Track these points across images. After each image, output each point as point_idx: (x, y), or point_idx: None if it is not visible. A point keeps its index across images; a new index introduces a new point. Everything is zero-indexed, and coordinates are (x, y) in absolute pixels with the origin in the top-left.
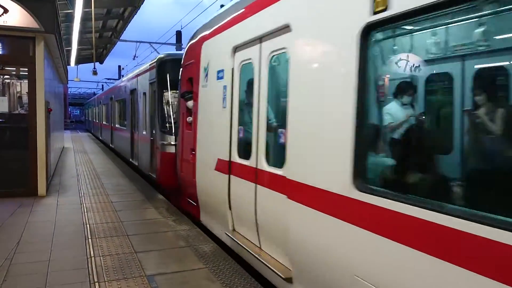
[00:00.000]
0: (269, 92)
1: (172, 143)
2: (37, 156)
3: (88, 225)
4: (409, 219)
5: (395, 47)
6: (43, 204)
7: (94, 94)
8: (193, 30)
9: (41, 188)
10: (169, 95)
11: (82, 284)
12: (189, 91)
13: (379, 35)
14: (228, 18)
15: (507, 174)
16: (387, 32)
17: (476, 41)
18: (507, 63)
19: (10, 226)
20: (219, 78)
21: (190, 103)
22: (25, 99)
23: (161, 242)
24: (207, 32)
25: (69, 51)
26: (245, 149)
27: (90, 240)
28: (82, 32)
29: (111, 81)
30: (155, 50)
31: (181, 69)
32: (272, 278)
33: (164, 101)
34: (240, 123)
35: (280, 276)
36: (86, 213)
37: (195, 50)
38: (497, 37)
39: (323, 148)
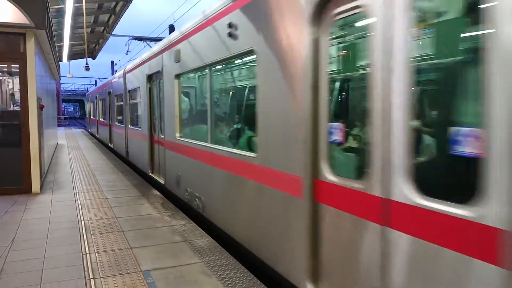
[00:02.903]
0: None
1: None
2: (30, 153)
3: (83, 222)
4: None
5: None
6: (37, 202)
7: (87, 90)
8: (184, 23)
9: (35, 185)
10: None
11: (77, 280)
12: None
13: (152, 78)
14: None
15: None
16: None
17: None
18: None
19: (4, 224)
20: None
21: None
22: (17, 96)
23: (156, 238)
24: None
25: (61, 47)
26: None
27: (85, 236)
28: (73, 27)
29: None
30: (148, 44)
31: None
32: (159, 184)
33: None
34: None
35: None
36: (80, 210)
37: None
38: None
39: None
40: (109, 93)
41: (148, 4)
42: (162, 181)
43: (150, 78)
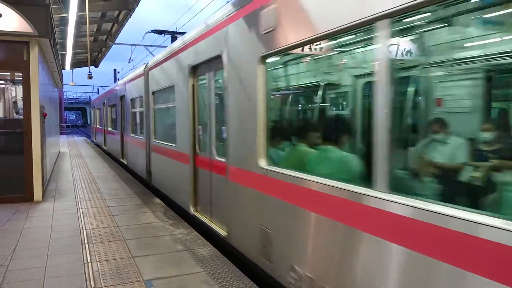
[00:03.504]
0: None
1: None
2: (33, 161)
3: (84, 230)
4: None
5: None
6: (39, 210)
7: (90, 98)
8: (186, 31)
9: (37, 193)
10: None
11: None
12: None
13: (198, 70)
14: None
15: None
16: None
17: None
18: None
19: (6, 232)
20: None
21: None
22: (20, 104)
23: (158, 246)
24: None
25: (64, 55)
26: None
27: (87, 245)
28: (76, 36)
29: None
30: (150, 53)
31: None
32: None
33: None
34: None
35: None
36: (82, 218)
37: None
38: None
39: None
40: (122, 97)
41: (151, 13)
42: (222, 232)
43: (194, 70)
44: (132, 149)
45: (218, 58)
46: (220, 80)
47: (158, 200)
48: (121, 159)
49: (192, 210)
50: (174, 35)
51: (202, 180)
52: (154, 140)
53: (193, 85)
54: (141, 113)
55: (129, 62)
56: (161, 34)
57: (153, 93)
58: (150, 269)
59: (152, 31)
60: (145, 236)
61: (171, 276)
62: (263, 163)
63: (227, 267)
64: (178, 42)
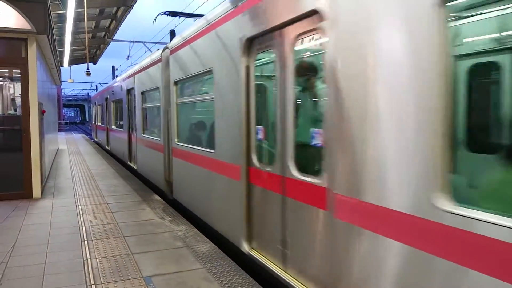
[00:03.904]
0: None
1: None
2: (31, 158)
3: (83, 227)
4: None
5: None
6: (38, 207)
7: (88, 95)
8: (185, 29)
9: (36, 190)
10: None
11: (79, 286)
12: None
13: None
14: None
15: None
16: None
17: None
18: None
19: (5, 230)
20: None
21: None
22: (18, 101)
23: (158, 243)
24: None
25: (62, 52)
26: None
27: (86, 242)
28: (75, 32)
29: None
30: (149, 49)
31: None
32: None
33: None
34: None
35: None
36: (81, 215)
37: None
38: None
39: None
40: (129, 91)
41: (149, 9)
42: None
43: (250, 45)
44: (144, 152)
45: (310, 16)
46: (306, 53)
47: (157, 197)
48: (129, 163)
49: (246, 246)
50: (173, 32)
51: (264, 204)
52: (177, 142)
53: (247, 67)
54: (156, 108)
55: (127, 59)
56: (176, 16)
57: (176, 82)
58: (149, 265)
59: (165, 13)
60: (144, 233)
61: (171, 273)
62: (444, 201)
63: (227, 263)
64: (218, 10)
